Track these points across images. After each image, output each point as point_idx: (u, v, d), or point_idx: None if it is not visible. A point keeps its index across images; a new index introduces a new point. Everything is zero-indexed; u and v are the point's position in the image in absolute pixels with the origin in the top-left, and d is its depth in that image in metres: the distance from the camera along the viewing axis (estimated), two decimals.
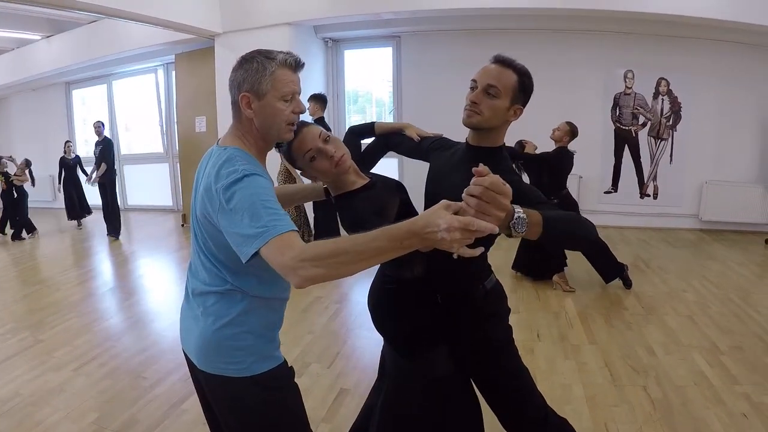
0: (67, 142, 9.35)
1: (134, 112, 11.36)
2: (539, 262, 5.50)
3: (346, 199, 1.92)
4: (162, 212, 10.88)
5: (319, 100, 6.43)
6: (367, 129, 2.40)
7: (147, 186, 11.29)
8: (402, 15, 7.47)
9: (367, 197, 1.90)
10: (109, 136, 8.71)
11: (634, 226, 8.03)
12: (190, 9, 7.32)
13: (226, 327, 1.58)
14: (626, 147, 8.05)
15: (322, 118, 6.47)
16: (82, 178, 9.42)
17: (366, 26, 8.21)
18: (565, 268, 5.46)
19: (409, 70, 8.60)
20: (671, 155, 7.94)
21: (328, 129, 6.36)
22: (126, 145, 11.48)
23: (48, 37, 9.68)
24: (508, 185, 1.27)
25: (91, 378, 3.77)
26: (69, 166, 9.47)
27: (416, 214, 1.30)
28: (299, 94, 1.65)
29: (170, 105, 10.39)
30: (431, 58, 8.27)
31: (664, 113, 7.85)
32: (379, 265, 1.76)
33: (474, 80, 1.86)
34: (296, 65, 1.62)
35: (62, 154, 9.42)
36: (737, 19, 6.24)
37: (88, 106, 11.98)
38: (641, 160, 8.04)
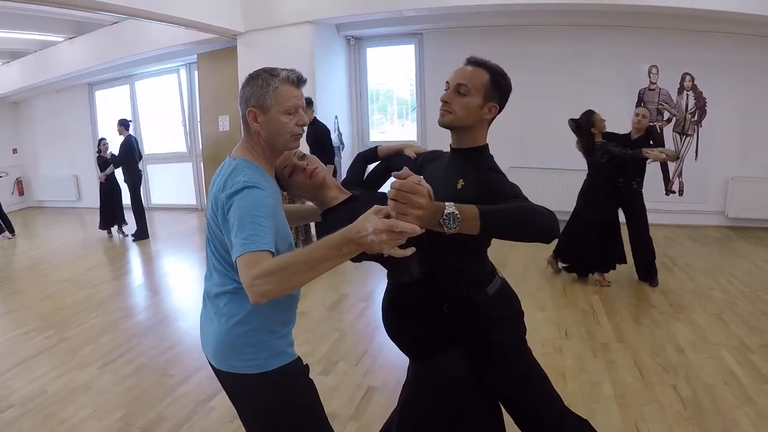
0: (102, 139, 9.09)
1: (157, 112, 11.42)
2: (586, 257, 5.43)
3: (327, 214, 2.02)
4: (185, 211, 10.94)
5: (309, 104, 6.45)
6: (371, 154, 2.44)
7: (171, 185, 11.36)
8: (424, 12, 7.42)
9: (348, 210, 1.95)
10: (133, 135, 8.62)
11: (659, 223, 7.89)
12: (213, 9, 7.36)
13: (237, 325, 1.66)
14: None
15: (315, 118, 6.51)
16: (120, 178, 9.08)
17: (388, 24, 8.18)
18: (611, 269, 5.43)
19: (431, 67, 8.54)
20: (696, 151, 7.81)
21: (323, 128, 6.34)
22: (149, 145, 11.55)
23: (71, 38, 9.77)
24: (424, 185, 1.36)
25: (117, 376, 3.80)
26: (106, 163, 8.93)
27: None
28: (303, 108, 1.75)
29: (193, 104, 10.44)
30: (454, 56, 8.02)
31: (689, 109, 7.73)
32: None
33: (447, 82, 1.91)
34: (298, 81, 1.72)
35: (97, 153, 9.00)
36: (762, 12, 6.11)
37: (110, 107, 12.05)
38: None
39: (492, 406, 2.15)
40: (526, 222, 1.56)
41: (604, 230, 5.23)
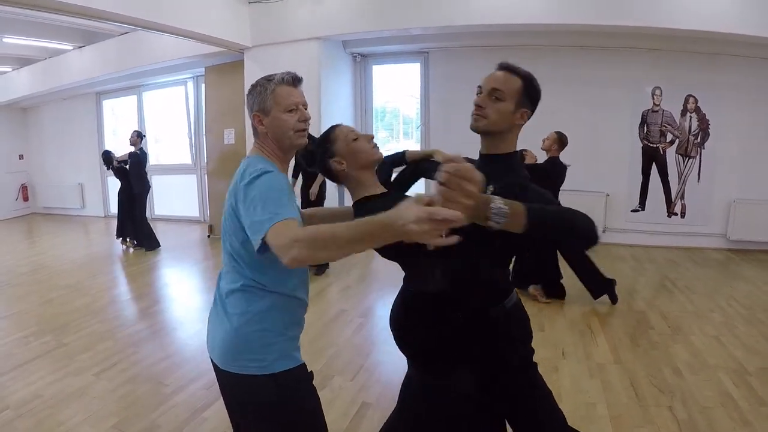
0: (108, 152, 8.65)
1: (163, 123, 11.50)
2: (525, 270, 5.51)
3: (364, 204, 1.95)
4: (189, 223, 10.97)
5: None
6: (398, 158, 2.41)
7: (175, 196, 11.39)
8: (430, 31, 7.48)
9: (383, 204, 1.84)
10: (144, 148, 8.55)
11: (661, 245, 7.91)
12: (221, 22, 7.43)
13: (247, 324, 1.70)
14: (654, 165, 7.95)
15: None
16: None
17: (394, 42, 8.26)
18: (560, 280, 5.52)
19: (436, 85, 8.59)
20: (699, 173, 7.81)
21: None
22: (155, 156, 11.60)
23: (80, 47, 9.85)
24: (477, 172, 1.29)
25: (112, 383, 3.80)
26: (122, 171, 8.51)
27: None
28: (304, 105, 1.84)
29: (199, 117, 10.50)
30: (459, 74, 8.22)
31: (692, 131, 7.74)
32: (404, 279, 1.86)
33: (479, 86, 1.90)
34: (293, 81, 1.83)
35: (118, 163, 8.49)
36: (765, 34, 6.13)
37: (118, 117, 12.16)
38: (669, 178, 7.93)
39: (497, 424, 2.14)
40: (572, 223, 1.55)
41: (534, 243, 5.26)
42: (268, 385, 1.68)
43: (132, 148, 8.24)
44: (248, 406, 1.77)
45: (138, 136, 8.24)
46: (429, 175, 2.28)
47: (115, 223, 8.93)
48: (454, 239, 1.25)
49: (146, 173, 8.51)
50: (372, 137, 2.01)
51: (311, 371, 1.84)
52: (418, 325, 2.07)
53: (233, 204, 1.69)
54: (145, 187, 8.49)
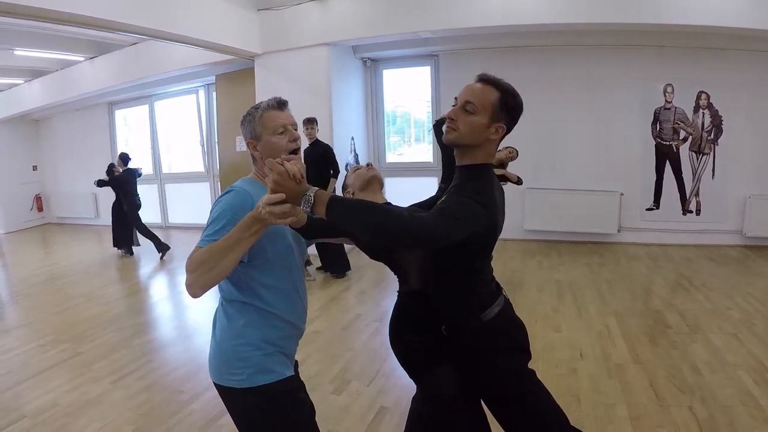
0: (111, 164, 9.00)
1: (176, 132, 11.56)
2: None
3: None
4: (202, 231, 10.96)
5: (313, 122, 6.60)
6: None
7: (188, 204, 11.44)
8: (440, 34, 7.47)
9: None
10: (133, 168, 8.84)
11: (676, 243, 7.83)
12: (231, 30, 7.45)
13: (229, 338, 1.80)
14: (667, 162, 7.89)
15: (317, 140, 6.72)
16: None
17: (404, 45, 8.23)
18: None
19: (447, 88, 8.56)
20: (713, 170, 7.74)
21: (326, 147, 6.55)
22: (167, 165, 11.70)
23: (91, 58, 9.92)
24: (287, 166, 1.50)
25: (129, 391, 3.82)
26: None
27: None
28: (293, 126, 1.91)
29: (211, 125, 10.55)
30: (469, 77, 7.96)
31: (705, 127, 7.68)
32: None
33: (456, 98, 1.88)
34: (278, 105, 1.89)
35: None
36: None
37: (130, 126, 12.25)
38: (683, 175, 7.86)
39: (484, 424, 2.16)
40: (371, 220, 1.55)
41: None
42: (248, 398, 1.75)
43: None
44: (236, 418, 1.84)
45: (121, 159, 8.74)
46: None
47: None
48: (290, 219, 1.52)
49: (133, 191, 8.70)
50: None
51: (301, 383, 1.92)
52: (404, 324, 2.17)
53: None
54: (132, 204, 8.67)
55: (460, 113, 1.82)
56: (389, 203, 2.09)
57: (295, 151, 1.89)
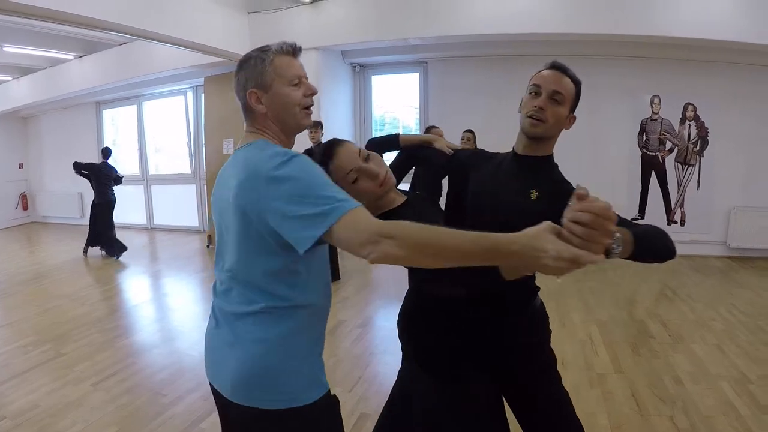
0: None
1: (163, 133, 11.52)
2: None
3: (388, 217, 1.72)
4: (188, 233, 10.95)
5: (318, 126, 6.55)
6: (390, 141, 2.23)
7: (173, 206, 11.39)
8: (429, 41, 7.50)
9: (413, 213, 1.67)
10: (111, 163, 8.80)
11: None
12: (220, 32, 7.44)
13: (269, 352, 1.45)
14: (653, 173, 7.95)
15: (321, 143, 6.56)
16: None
17: (393, 52, 8.28)
18: None
19: (435, 95, 8.62)
20: (699, 181, 7.82)
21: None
22: (154, 166, 11.65)
23: (80, 57, 9.87)
24: (613, 210, 1.17)
25: (111, 393, 3.79)
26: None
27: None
28: (306, 78, 1.59)
29: (199, 127, 10.51)
30: (457, 84, 8.30)
31: (691, 139, 7.75)
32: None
33: (537, 85, 1.79)
34: (293, 51, 1.57)
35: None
36: (763, 41, 6.13)
37: (118, 127, 12.20)
38: (668, 186, 7.94)
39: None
40: (665, 243, 1.50)
41: None
42: (294, 420, 1.44)
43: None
44: None
45: (102, 151, 8.75)
46: (429, 164, 2.21)
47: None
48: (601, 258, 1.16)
49: (107, 186, 8.63)
50: (376, 174, 1.75)
51: (334, 394, 1.60)
52: (431, 326, 1.97)
53: (248, 205, 1.38)
54: (104, 198, 8.59)
55: (548, 104, 1.76)
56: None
57: (309, 108, 1.59)
